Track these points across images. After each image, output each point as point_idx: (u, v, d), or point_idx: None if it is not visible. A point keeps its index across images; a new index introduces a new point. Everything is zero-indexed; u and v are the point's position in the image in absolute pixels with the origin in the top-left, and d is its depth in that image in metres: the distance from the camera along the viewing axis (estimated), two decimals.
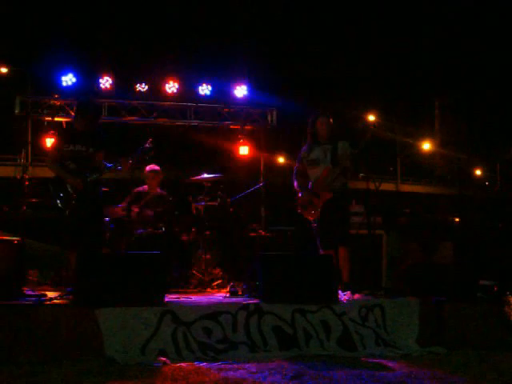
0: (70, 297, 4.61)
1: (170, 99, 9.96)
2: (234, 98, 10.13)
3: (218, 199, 6.88)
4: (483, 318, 5.07)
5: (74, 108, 6.05)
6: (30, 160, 10.52)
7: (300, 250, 7.19)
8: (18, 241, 4.97)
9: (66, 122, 9.51)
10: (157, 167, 6.97)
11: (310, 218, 5.69)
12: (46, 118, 9.85)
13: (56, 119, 9.72)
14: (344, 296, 5.12)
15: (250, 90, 10.14)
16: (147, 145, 5.57)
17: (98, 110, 5.81)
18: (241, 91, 10.05)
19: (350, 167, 5.64)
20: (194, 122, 10.34)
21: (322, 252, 5.58)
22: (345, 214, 5.71)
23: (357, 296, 5.17)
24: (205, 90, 9.93)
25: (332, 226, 5.51)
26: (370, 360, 4.43)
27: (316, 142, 5.77)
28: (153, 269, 4.58)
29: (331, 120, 5.76)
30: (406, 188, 22.89)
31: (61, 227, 5.49)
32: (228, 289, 5.62)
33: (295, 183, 5.87)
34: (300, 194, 5.77)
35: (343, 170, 5.62)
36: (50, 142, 9.30)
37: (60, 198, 5.30)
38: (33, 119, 10.15)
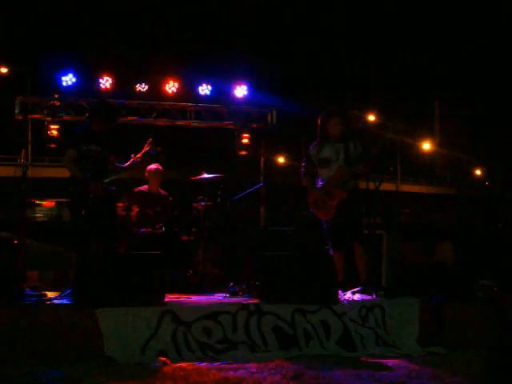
0: (70, 297, 4.61)
1: (169, 99, 9.95)
2: (234, 98, 10.10)
3: (218, 199, 6.87)
4: (483, 318, 5.06)
5: (91, 108, 6.11)
6: (30, 160, 10.50)
7: (300, 249, 7.18)
8: (17, 241, 4.98)
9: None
10: (160, 167, 6.96)
11: (324, 218, 5.58)
12: (46, 118, 9.84)
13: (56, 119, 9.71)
14: (344, 296, 5.12)
15: (250, 90, 10.12)
16: (152, 150, 5.68)
17: (115, 111, 5.79)
18: (241, 91, 10.03)
19: (361, 168, 5.55)
20: (194, 122, 10.32)
21: (332, 252, 5.54)
22: (360, 214, 5.65)
23: (357, 296, 5.17)
24: (205, 90, 9.91)
25: (346, 227, 5.45)
26: (370, 360, 4.43)
27: (326, 140, 5.62)
28: (153, 269, 4.59)
29: (343, 119, 5.68)
30: (406, 188, 22.93)
31: (70, 227, 5.45)
32: (228, 289, 5.62)
33: (304, 182, 5.74)
34: (311, 193, 5.63)
35: (356, 171, 5.52)
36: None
37: (77, 199, 5.28)
38: (33, 119, 10.14)
